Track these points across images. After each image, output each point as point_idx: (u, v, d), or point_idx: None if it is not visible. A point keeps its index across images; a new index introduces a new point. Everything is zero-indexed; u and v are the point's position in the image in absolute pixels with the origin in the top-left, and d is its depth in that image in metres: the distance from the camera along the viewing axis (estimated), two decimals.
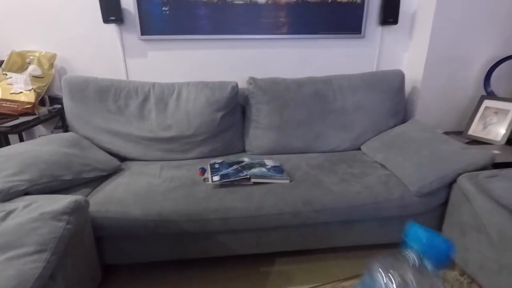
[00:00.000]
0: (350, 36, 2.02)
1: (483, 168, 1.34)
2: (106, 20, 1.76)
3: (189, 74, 1.97)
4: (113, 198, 1.31)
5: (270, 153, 1.83)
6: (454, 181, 1.34)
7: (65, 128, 1.93)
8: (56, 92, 1.91)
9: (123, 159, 1.74)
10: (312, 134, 1.85)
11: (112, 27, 1.85)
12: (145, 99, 1.76)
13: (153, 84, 1.79)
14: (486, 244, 1.19)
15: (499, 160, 1.58)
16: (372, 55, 2.09)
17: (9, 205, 0.98)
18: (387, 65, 2.12)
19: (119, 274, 1.44)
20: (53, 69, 1.84)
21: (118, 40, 1.87)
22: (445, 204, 1.42)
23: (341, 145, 1.87)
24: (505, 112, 1.83)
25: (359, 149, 1.88)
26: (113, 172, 1.56)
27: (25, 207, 0.96)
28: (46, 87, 1.80)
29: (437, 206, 1.42)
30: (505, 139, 1.78)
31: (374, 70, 2.12)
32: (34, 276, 0.78)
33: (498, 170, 1.21)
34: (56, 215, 0.93)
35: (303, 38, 1.99)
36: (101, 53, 1.89)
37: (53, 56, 1.84)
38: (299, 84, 1.84)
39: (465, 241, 1.30)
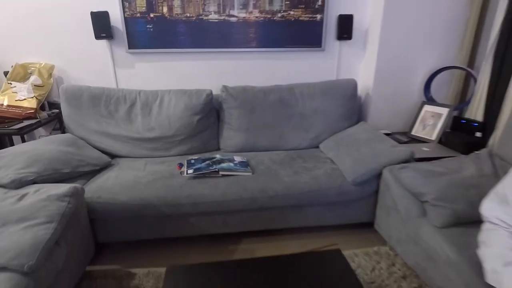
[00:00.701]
0: (312, 49, 2.34)
1: (405, 162, 1.66)
2: (97, 36, 2.05)
3: (170, 82, 2.26)
4: (104, 187, 1.61)
5: (241, 150, 2.13)
6: (381, 173, 1.66)
7: (62, 129, 2.20)
8: (54, 98, 2.19)
9: (113, 156, 2.03)
10: (276, 134, 2.15)
11: (103, 42, 2.13)
12: (132, 105, 2.05)
13: (139, 92, 2.08)
14: (400, 221, 1.51)
15: (431, 155, 1.91)
16: (332, 66, 2.41)
17: (22, 191, 1.27)
18: (346, 75, 2.44)
19: (109, 251, 1.73)
20: (52, 79, 2.12)
21: (108, 53, 2.16)
22: (377, 192, 1.74)
23: (302, 144, 2.18)
24: (439, 115, 2.16)
25: (318, 147, 2.20)
26: (104, 167, 1.85)
27: (35, 191, 1.25)
28: (46, 94, 2.07)
29: (371, 193, 1.74)
30: (438, 138, 2.11)
31: (334, 79, 2.43)
32: (45, 239, 1.07)
33: (408, 164, 1.54)
34: (60, 197, 1.22)
35: (270, 51, 2.30)
36: (94, 64, 2.18)
37: (52, 67, 2.12)
38: (266, 91, 2.15)
39: (388, 220, 1.63)
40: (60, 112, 2.08)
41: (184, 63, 2.26)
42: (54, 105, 2.17)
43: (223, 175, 1.73)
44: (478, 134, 2.01)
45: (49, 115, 2.09)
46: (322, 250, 1.07)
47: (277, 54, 2.32)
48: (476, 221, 1.23)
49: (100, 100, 2.01)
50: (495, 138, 1.84)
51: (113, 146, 2.02)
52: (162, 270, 1.58)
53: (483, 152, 1.57)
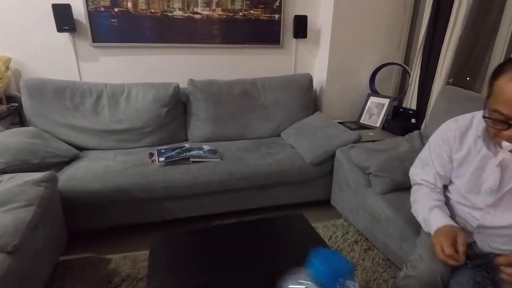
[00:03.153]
0: (272, 46, 2.54)
1: (354, 143, 1.92)
2: (60, 29, 2.04)
3: (136, 76, 2.30)
4: (76, 177, 1.64)
5: (208, 140, 2.25)
6: (334, 154, 1.91)
7: (21, 124, 2.14)
8: (12, 92, 2.12)
9: (81, 149, 2.03)
10: (241, 124, 2.31)
11: (65, 35, 2.12)
12: (99, 98, 2.08)
13: (105, 85, 2.11)
14: (351, 193, 1.76)
15: (375, 138, 2.20)
16: (290, 61, 2.63)
17: None
18: (302, 70, 2.67)
19: (83, 240, 1.76)
20: (9, 71, 2.06)
21: (71, 46, 2.15)
22: (332, 171, 1.98)
23: (265, 133, 2.37)
24: (382, 105, 2.49)
25: (279, 135, 2.40)
26: (73, 159, 1.87)
27: (10, 178, 1.27)
28: (4, 87, 2.01)
29: (327, 173, 1.98)
30: (381, 125, 2.43)
31: (292, 73, 2.66)
32: (27, 220, 1.12)
33: (355, 144, 1.80)
34: (37, 182, 1.26)
35: (233, 47, 2.45)
36: (56, 57, 2.15)
37: (8, 60, 2.06)
38: (230, 85, 2.30)
39: (342, 194, 1.88)
40: (19, 106, 2.03)
41: (150, 57, 2.32)
42: (12, 98, 2.10)
43: (194, 162, 1.85)
44: (413, 120, 2.36)
45: (8, 108, 2.03)
46: (286, 214, 1.25)
47: (240, 50, 2.48)
48: (409, 187, 1.51)
49: (64, 93, 2.01)
50: (425, 123, 2.19)
51: (79, 138, 2.03)
52: (138, 253, 1.66)
53: (415, 133, 1.88)
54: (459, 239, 0.91)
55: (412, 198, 1.22)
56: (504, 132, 0.85)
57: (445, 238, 0.92)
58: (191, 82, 2.23)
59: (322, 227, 1.91)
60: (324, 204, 2.09)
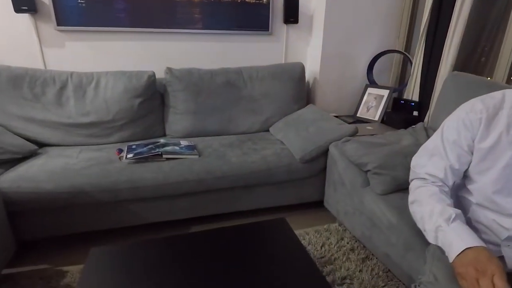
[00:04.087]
0: (260, 33, 2.31)
1: (350, 137, 1.69)
2: (17, 9, 1.80)
3: (107, 64, 2.07)
4: (25, 176, 1.40)
5: (189, 136, 2.03)
6: (328, 150, 1.68)
7: None
8: None
9: (41, 145, 1.79)
10: (225, 118, 2.09)
11: (26, 17, 1.88)
12: (63, 87, 1.84)
13: (71, 73, 1.87)
14: (346, 194, 1.54)
15: (374, 133, 1.98)
16: (280, 49, 2.41)
17: None
18: (293, 58, 2.45)
19: (35, 249, 1.52)
20: None
21: (33, 30, 1.91)
22: (325, 169, 1.76)
23: (252, 127, 2.14)
24: (381, 97, 2.27)
25: (268, 130, 2.17)
26: (29, 156, 1.63)
27: None
28: None
29: (319, 171, 1.76)
30: (381, 118, 2.21)
31: (283, 62, 2.43)
32: None
33: (351, 137, 1.57)
34: None
35: (217, 33, 2.22)
36: (15, 42, 1.91)
37: None
38: (213, 74, 2.07)
39: (336, 195, 1.65)
40: None
41: (123, 43, 2.08)
42: None
43: (167, 159, 1.62)
44: (415, 113, 2.14)
45: None
46: (268, 220, 1.02)
47: (224, 36, 2.26)
48: None
49: (22, 82, 1.77)
50: (429, 116, 1.97)
51: (40, 133, 1.79)
52: None
53: (419, 125, 1.66)
54: (496, 275, 0.64)
55: (412, 197, 0.97)
56: None
57: (483, 274, 0.65)
58: (169, 70, 2.00)
59: (314, 233, 1.69)
60: (316, 206, 1.86)
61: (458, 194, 0.95)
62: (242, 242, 0.95)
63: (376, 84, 2.41)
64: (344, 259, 1.49)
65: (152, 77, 1.93)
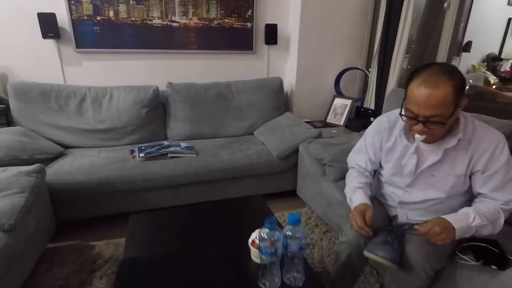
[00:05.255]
0: (245, 52, 2.76)
1: (316, 139, 2.16)
2: (45, 36, 2.19)
3: (118, 80, 2.47)
4: (62, 171, 1.81)
5: (187, 139, 2.45)
6: (298, 148, 2.14)
7: (8, 124, 2.27)
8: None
9: (66, 147, 2.19)
10: (217, 124, 2.52)
11: (50, 42, 2.28)
12: (82, 100, 2.24)
13: (89, 88, 2.28)
14: (311, 183, 2.00)
15: (337, 135, 2.45)
16: (262, 66, 2.86)
17: None
18: (274, 73, 2.91)
19: (69, 229, 1.92)
20: None
21: (56, 52, 2.31)
22: (296, 164, 2.21)
23: (239, 132, 2.58)
24: (345, 106, 2.75)
25: (252, 134, 2.61)
26: (58, 156, 2.03)
27: (3, 170, 1.43)
28: None
29: (292, 166, 2.22)
30: (345, 123, 2.69)
31: (265, 76, 2.89)
32: (21, 204, 1.29)
33: (315, 139, 2.04)
34: (29, 173, 1.43)
35: (209, 53, 2.66)
36: (42, 62, 2.30)
37: None
38: (206, 87, 2.51)
39: (305, 185, 2.11)
40: (7, 107, 2.16)
41: (131, 62, 2.50)
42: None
43: (171, 157, 2.04)
44: (372, 119, 2.62)
45: None
46: (249, 196, 1.46)
47: (215, 55, 2.70)
48: None
49: (50, 95, 2.16)
50: None
51: (65, 137, 2.19)
52: (120, 240, 1.83)
53: None
54: (367, 214, 1.11)
55: (346, 180, 1.42)
56: (415, 127, 1.07)
57: (357, 214, 1.13)
58: (170, 85, 2.42)
59: (288, 214, 2.13)
60: (291, 194, 2.32)
61: (378, 177, 1.43)
62: (230, 211, 1.38)
63: (343, 94, 2.89)
64: (309, 232, 1.95)
65: (156, 91, 2.36)
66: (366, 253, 1.12)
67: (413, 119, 1.05)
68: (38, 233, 1.50)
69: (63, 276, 1.56)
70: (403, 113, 1.10)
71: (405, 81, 1.09)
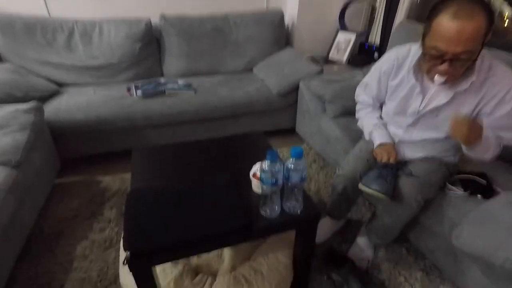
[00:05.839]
0: None
1: (316, 75, 2.10)
2: None
3: (105, 11, 2.25)
4: (60, 109, 1.79)
5: (183, 75, 2.38)
6: (298, 85, 2.10)
7: None
8: None
9: (60, 85, 2.13)
10: (215, 60, 2.42)
11: None
12: (71, 34, 2.11)
13: (76, 21, 2.12)
14: (310, 120, 2.01)
15: (339, 72, 2.38)
16: None
17: None
18: (275, 4, 2.69)
19: (73, 166, 1.98)
20: None
21: None
22: (296, 102, 2.19)
23: (238, 68, 2.50)
24: (349, 41, 2.62)
25: (252, 70, 2.53)
26: (53, 94, 1.98)
27: None
28: None
29: (292, 103, 2.20)
30: (347, 60, 2.59)
31: (265, 7, 2.68)
32: (24, 141, 1.31)
33: (316, 76, 1.99)
34: (27, 110, 1.42)
35: None
36: None
37: None
38: (202, 20, 2.34)
39: (304, 122, 2.12)
40: None
41: None
42: None
43: (169, 94, 2.01)
44: (376, 55, 2.53)
45: None
46: (249, 132, 1.48)
47: None
48: None
49: (35, 29, 2.02)
50: None
51: (57, 74, 2.11)
52: (125, 175, 1.91)
53: (371, 66, 2.07)
54: (392, 156, 1.21)
55: (357, 115, 1.46)
56: (439, 67, 0.95)
57: (385, 152, 1.21)
58: (163, 17, 2.26)
59: (287, 150, 2.19)
60: (290, 132, 2.35)
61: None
62: (231, 147, 1.41)
63: (347, 28, 2.73)
64: (307, 167, 2.02)
65: (148, 24, 2.21)
66: (361, 186, 1.18)
67: (437, 58, 0.94)
68: (44, 168, 1.55)
69: (74, 207, 1.66)
70: (424, 51, 0.99)
71: (429, 14, 0.96)
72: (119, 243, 1.41)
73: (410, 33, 1.91)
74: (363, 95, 1.40)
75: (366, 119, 1.38)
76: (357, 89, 1.45)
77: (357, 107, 1.47)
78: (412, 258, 1.42)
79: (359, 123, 1.44)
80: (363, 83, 1.41)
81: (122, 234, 0.91)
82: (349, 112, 1.76)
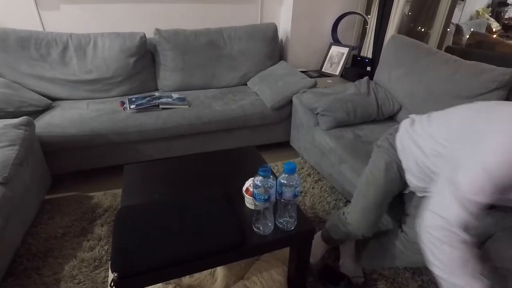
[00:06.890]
0: None
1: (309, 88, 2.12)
2: None
3: (100, 26, 2.30)
4: (52, 124, 1.77)
5: (178, 89, 2.38)
6: (292, 99, 2.11)
7: None
8: None
9: (53, 99, 2.11)
10: (209, 74, 2.44)
11: None
12: (65, 48, 2.11)
13: (70, 35, 2.13)
14: (304, 133, 2.01)
15: (332, 85, 2.40)
16: (256, 10, 2.68)
17: None
18: (268, 18, 2.74)
19: (65, 182, 1.95)
20: None
21: None
22: (290, 115, 2.20)
23: (232, 82, 2.51)
24: (342, 54, 2.65)
25: (246, 84, 2.55)
26: (46, 109, 1.97)
27: None
28: None
29: (286, 117, 2.20)
30: (340, 73, 2.62)
31: (259, 22, 2.72)
32: (13, 157, 1.28)
33: (309, 89, 2.00)
34: (16, 125, 1.40)
35: None
36: (13, 4, 2.10)
37: None
38: (196, 34, 2.37)
39: (298, 135, 2.12)
40: None
41: (114, 5, 2.31)
42: None
43: (163, 108, 2.00)
44: (368, 68, 2.56)
45: None
46: (243, 147, 1.47)
47: None
48: (349, 124, 1.78)
49: (29, 43, 2.02)
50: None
51: (50, 89, 2.10)
52: (117, 190, 1.88)
53: (364, 79, 2.09)
54: None
55: (446, 248, 0.81)
56: None
57: None
58: (157, 31, 2.28)
59: (282, 164, 2.18)
60: (285, 145, 2.34)
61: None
62: (224, 162, 1.40)
63: (340, 42, 2.77)
64: (302, 181, 2.01)
65: (143, 38, 2.22)
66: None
67: None
68: (34, 184, 1.52)
69: (64, 224, 1.61)
70: None
71: None
72: (109, 263, 1.37)
73: (402, 46, 1.94)
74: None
75: (464, 264, 0.81)
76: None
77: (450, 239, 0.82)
78: (409, 274, 1.39)
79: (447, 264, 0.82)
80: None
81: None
82: (342, 124, 1.78)
